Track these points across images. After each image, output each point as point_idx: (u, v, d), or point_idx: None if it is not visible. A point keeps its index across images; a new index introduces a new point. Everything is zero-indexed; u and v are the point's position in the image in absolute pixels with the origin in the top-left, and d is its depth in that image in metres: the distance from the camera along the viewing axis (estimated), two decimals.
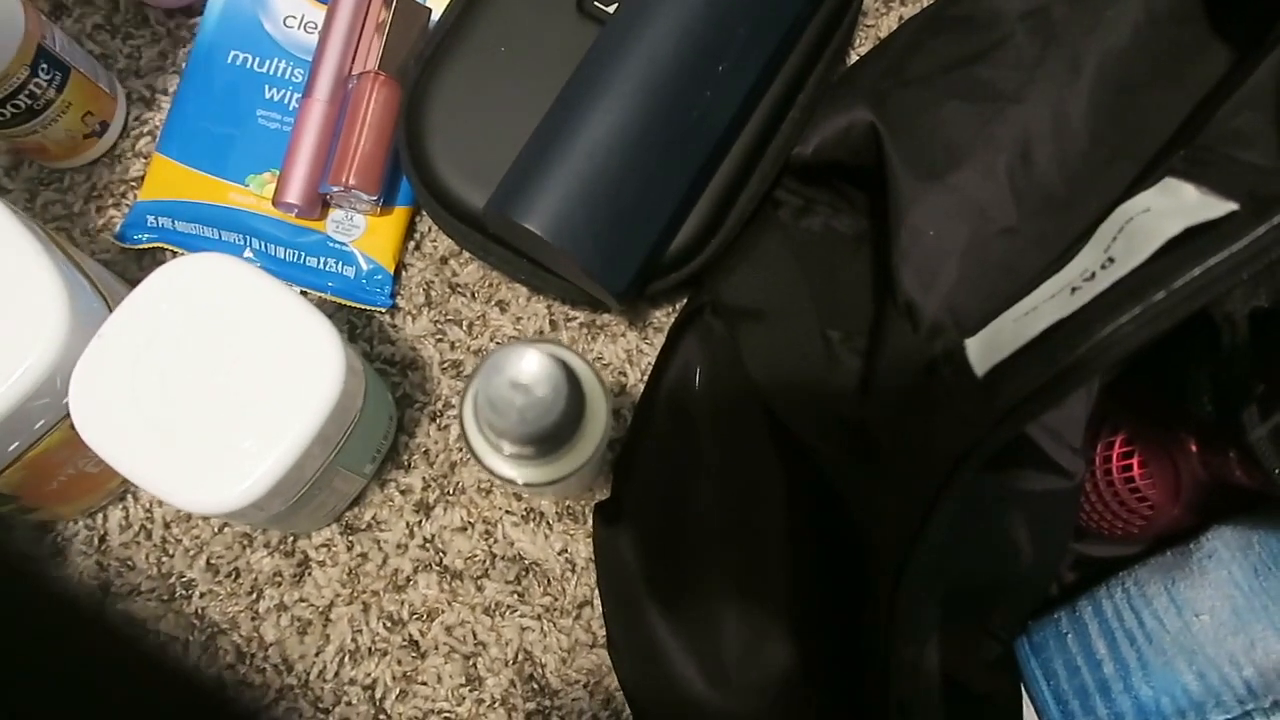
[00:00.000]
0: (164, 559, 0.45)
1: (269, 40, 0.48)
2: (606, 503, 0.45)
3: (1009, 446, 0.32)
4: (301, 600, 0.45)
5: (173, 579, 0.45)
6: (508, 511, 0.46)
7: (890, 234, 0.39)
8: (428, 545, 0.46)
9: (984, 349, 0.33)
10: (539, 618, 0.45)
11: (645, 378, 0.47)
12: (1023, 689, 0.38)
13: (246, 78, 0.48)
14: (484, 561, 0.46)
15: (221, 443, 0.35)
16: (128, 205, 0.49)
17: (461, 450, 0.47)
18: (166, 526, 0.46)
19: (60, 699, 0.26)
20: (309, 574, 0.45)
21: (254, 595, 0.45)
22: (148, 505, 0.46)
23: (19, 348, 0.35)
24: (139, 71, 0.50)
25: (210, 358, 0.36)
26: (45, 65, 0.43)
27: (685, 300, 0.49)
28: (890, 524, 0.36)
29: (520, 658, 0.45)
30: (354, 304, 0.48)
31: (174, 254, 0.48)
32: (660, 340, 0.48)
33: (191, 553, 0.45)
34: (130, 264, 0.48)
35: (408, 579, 0.46)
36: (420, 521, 0.46)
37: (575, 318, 0.49)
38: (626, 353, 0.49)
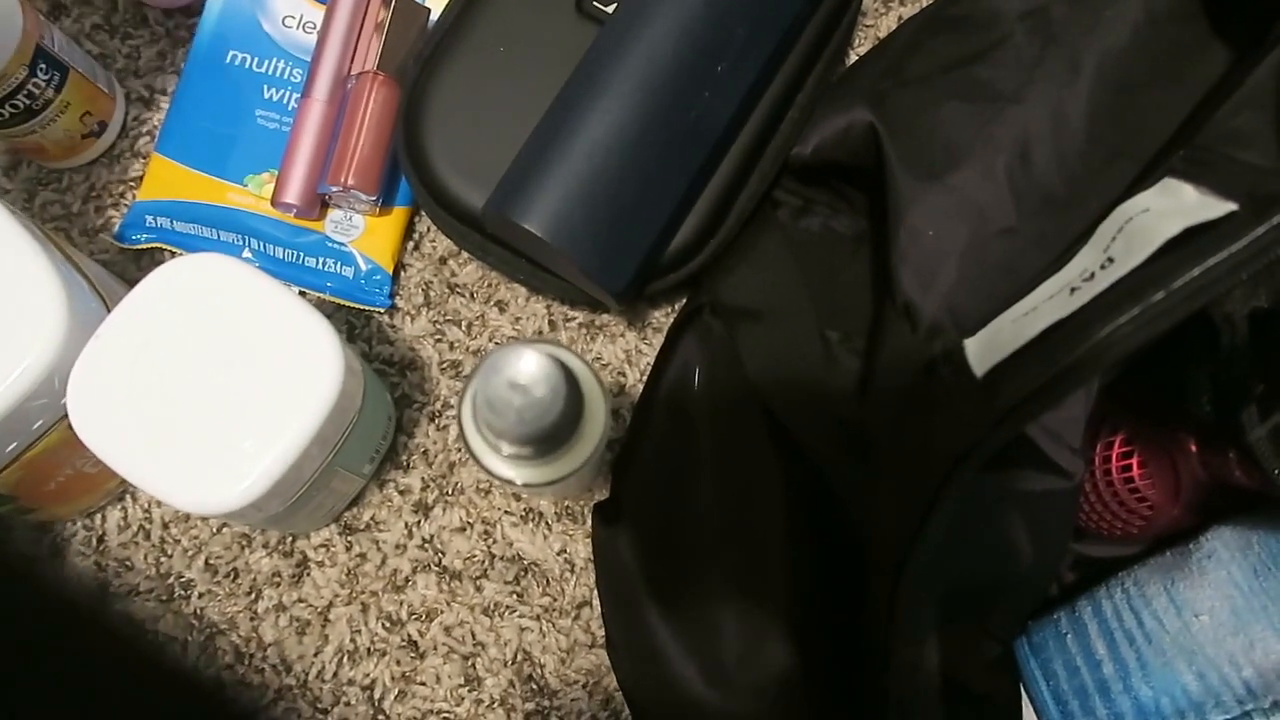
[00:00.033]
0: (162, 559, 0.45)
1: (268, 40, 0.48)
2: (605, 503, 0.45)
3: (1008, 447, 0.32)
4: (300, 600, 0.45)
5: (171, 579, 0.45)
6: (507, 512, 0.46)
7: (889, 234, 0.39)
8: (426, 545, 0.46)
9: (983, 349, 0.33)
10: (538, 618, 0.45)
11: (644, 378, 0.47)
12: (1022, 689, 0.38)
13: (245, 78, 0.48)
14: (483, 562, 0.46)
15: (220, 443, 0.35)
16: (126, 205, 0.49)
17: (460, 450, 0.47)
18: (165, 527, 0.46)
19: (59, 699, 0.26)
20: (308, 574, 0.45)
21: (253, 595, 0.45)
22: (146, 506, 0.46)
23: (17, 348, 0.35)
24: (138, 71, 0.50)
25: (209, 358, 0.36)
26: (44, 65, 0.43)
27: (684, 300, 0.48)
28: (889, 524, 0.36)
29: (519, 658, 0.45)
30: (353, 304, 0.48)
31: (173, 254, 0.48)
32: (659, 340, 0.48)
33: (190, 553, 0.45)
34: (129, 264, 0.48)
35: (406, 579, 0.46)
36: (419, 522, 0.46)
37: (574, 318, 0.49)
38: (625, 353, 0.49)
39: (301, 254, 0.47)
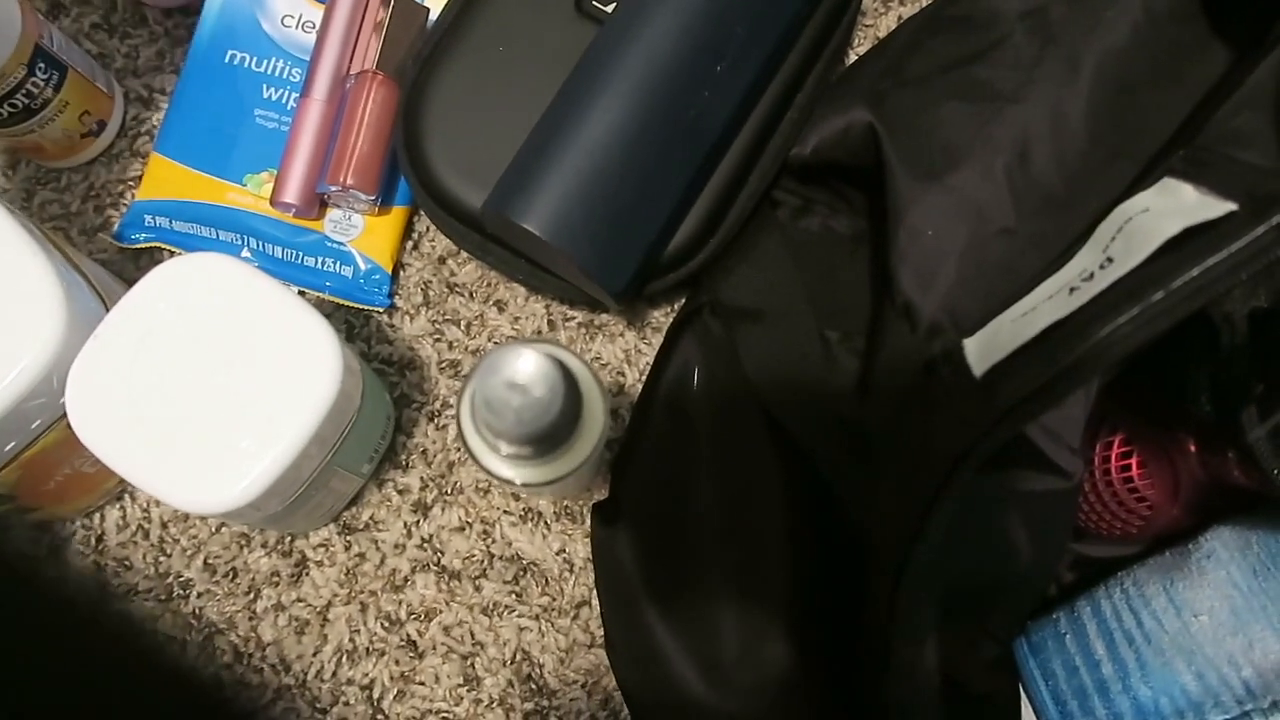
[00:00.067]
0: (161, 559, 0.45)
1: (267, 40, 0.48)
2: (604, 503, 0.45)
3: (1008, 447, 0.32)
4: (299, 600, 0.45)
5: (170, 579, 0.45)
6: (506, 511, 0.46)
7: (888, 234, 0.39)
8: (425, 545, 0.46)
9: (982, 349, 0.33)
10: (537, 618, 0.45)
11: (643, 377, 0.47)
12: (1021, 689, 0.38)
13: (244, 77, 0.48)
14: (482, 561, 0.46)
15: (219, 442, 0.35)
16: (125, 205, 0.49)
17: (459, 450, 0.47)
18: (164, 526, 0.46)
19: (58, 698, 0.26)
20: (306, 574, 0.45)
21: (251, 595, 0.45)
22: (145, 505, 0.46)
23: (15, 347, 0.35)
24: (137, 71, 0.50)
25: (207, 357, 0.35)
26: (42, 64, 0.43)
27: (683, 300, 0.48)
28: (889, 524, 0.36)
29: (518, 658, 0.45)
30: (352, 304, 0.48)
31: (171, 253, 0.48)
32: (658, 340, 0.48)
33: (189, 552, 0.45)
34: (128, 263, 0.48)
35: (405, 579, 0.46)
36: (418, 521, 0.46)
37: (573, 317, 0.49)
38: (625, 352, 0.49)
39: (300, 253, 0.47)
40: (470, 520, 0.46)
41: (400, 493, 0.46)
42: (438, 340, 0.48)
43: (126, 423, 0.35)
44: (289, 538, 0.46)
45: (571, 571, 0.46)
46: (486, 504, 0.46)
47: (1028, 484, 0.36)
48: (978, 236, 0.37)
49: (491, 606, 0.45)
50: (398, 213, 0.48)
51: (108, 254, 0.48)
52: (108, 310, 0.36)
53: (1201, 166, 0.31)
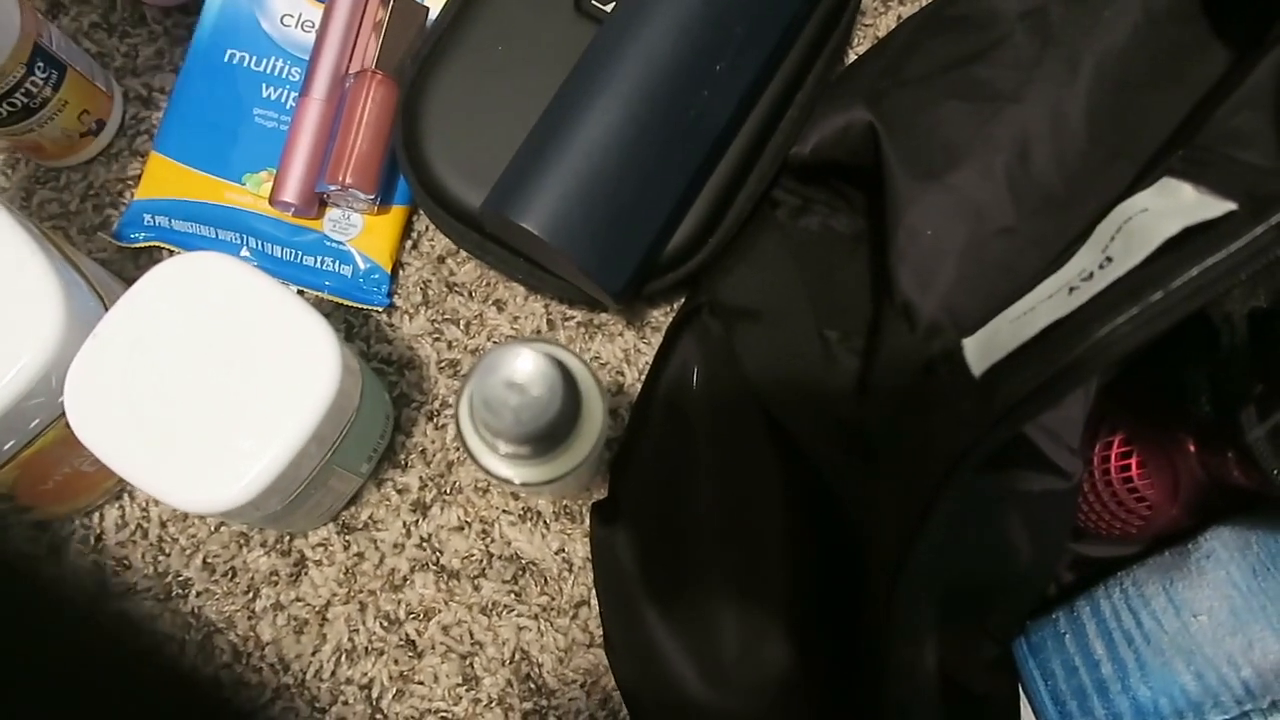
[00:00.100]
0: (160, 558, 0.45)
1: (266, 39, 0.48)
2: (603, 502, 0.45)
3: (1007, 447, 0.32)
4: (298, 599, 0.45)
5: (169, 578, 0.45)
6: (505, 511, 0.46)
7: (888, 234, 0.39)
8: (424, 545, 0.46)
9: (981, 349, 0.33)
10: (536, 617, 0.45)
11: (643, 377, 0.47)
12: (1020, 689, 0.38)
13: (244, 76, 0.48)
14: (481, 561, 0.46)
15: (218, 442, 0.35)
16: (124, 204, 0.49)
17: (458, 449, 0.47)
18: (163, 525, 0.46)
19: (57, 697, 0.26)
20: (305, 573, 0.45)
21: (250, 594, 0.45)
22: (144, 504, 0.46)
23: (14, 346, 0.35)
24: (136, 70, 0.50)
25: (206, 356, 0.35)
26: (41, 63, 0.43)
27: (683, 300, 0.48)
28: (888, 524, 0.35)
29: (517, 657, 0.45)
30: (351, 303, 0.48)
31: (171, 252, 0.48)
32: (657, 340, 0.48)
33: (188, 552, 0.45)
34: (127, 263, 0.48)
35: (404, 578, 0.46)
36: (417, 521, 0.46)
37: (573, 317, 0.49)
38: (624, 352, 0.48)
39: (300, 253, 0.47)
40: (469, 520, 0.46)
41: (399, 492, 0.46)
42: (437, 339, 0.48)
43: (125, 422, 0.35)
44: (288, 537, 0.46)
45: (570, 571, 0.46)
46: (485, 503, 0.46)
47: (1027, 484, 0.36)
48: (977, 236, 0.37)
49: (490, 606, 0.45)
50: (397, 212, 0.48)
51: (107, 253, 0.48)
52: (107, 309, 0.36)
53: (1201, 166, 0.31)
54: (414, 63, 0.44)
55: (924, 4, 0.50)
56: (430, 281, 0.49)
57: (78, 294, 0.37)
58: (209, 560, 0.45)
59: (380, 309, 0.48)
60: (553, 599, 0.46)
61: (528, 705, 0.45)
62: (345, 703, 0.44)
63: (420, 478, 0.47)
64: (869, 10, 0.52)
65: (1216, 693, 0.34)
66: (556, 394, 0.30)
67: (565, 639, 0.45)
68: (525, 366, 0.30)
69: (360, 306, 0.48)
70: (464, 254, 0.49)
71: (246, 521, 0.45)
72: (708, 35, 0.40)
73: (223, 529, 0.46)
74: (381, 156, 0.46)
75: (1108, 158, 0.38)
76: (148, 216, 0.47)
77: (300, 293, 0.46)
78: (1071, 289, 0.31)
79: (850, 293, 0.43)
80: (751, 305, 0.45)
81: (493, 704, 0.45)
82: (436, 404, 0.47)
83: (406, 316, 0.48)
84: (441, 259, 0.49)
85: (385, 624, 0.45)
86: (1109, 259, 0.31)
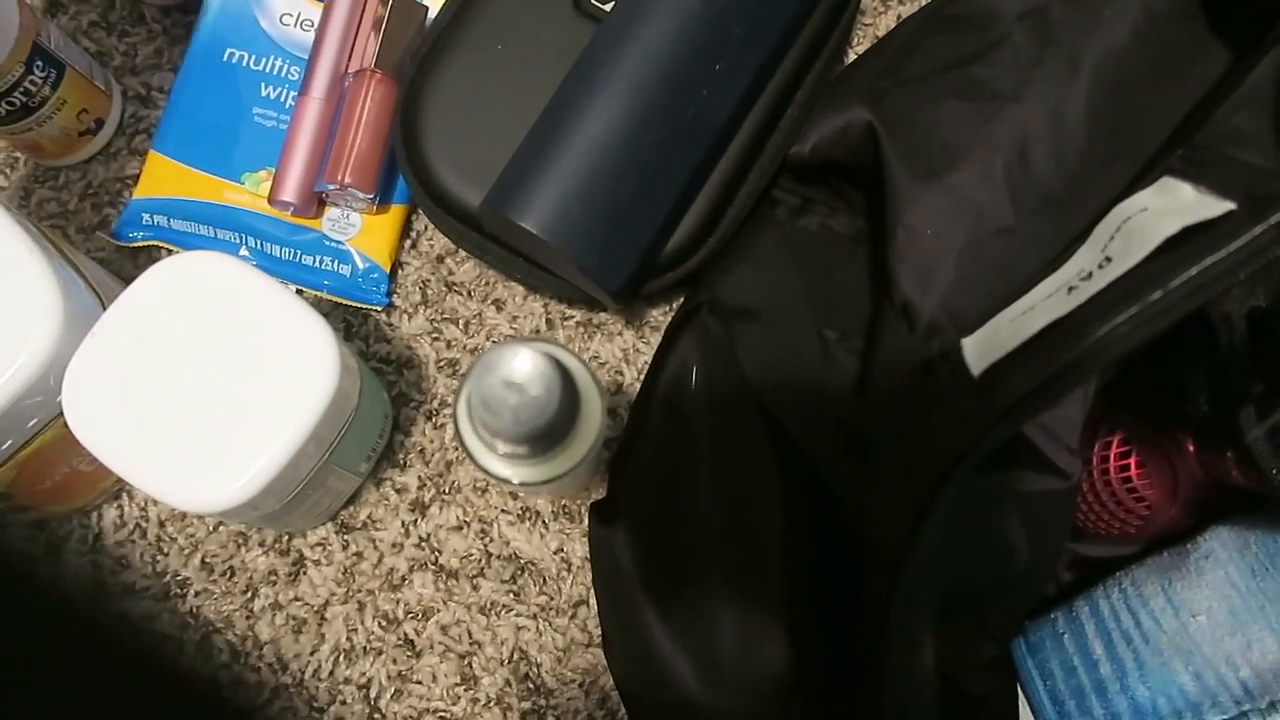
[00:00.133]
0: (159, 558, 0.45)
1: (265, 38, 0.48)
2: (602, 502, 0.45)
3: (1006, 446, 0.32)
4: (296, 599, 0.45)
5: (168, 578, 0.45)
6: (503, 510, 0.46)
7: (887, 233, 0.39)
8: (423, 544, 0.46)
9: (981, 349, 0.33)
10: (534, 617, 0.45)
11: (642, 377, 0.47)
12: (1019, 689, 0.38)
13: (243, 75, 0.48)
14: (479, 560, 0.46)
15: (216, 441, 0.35)
16: (123, 203, 0.49)
17: (457, 449, 0.47)
18: (161, 525, 0.45)
19: (56, 698, 0.26)
20: (304, 573, 0.45)
21: (249, 594, 0.45)
22: (142, 504, 0.46)
23: (12, 345, 0.35)
24: (135, 69, 0.50)
25: (205, 356, 0.35)
26: (40, 62, 0.43)
27: (682, 299, 0.48)
28: (886, 524, 0.35)
29: (515, 657, 0.45)
30: (350, 302, 0.48)
31: (169, 252, 0.48)
32: (657, 339, 0.48)
33: (186, 551, 0.45)
34: (126, 262, 0.48)
35: (403, 578, 0.46)
36: (416, 520, 0.46)
37: (572, 316, 0.49)
38: (623, 351, 0.48)
39: (299, 252, 0.47)
40: (468, 519, 0.46)
41: (398, 491, 0.46)
42: (436, 339, 0.48)
43: (123, 421, 0.35)
44: (286, 536, 0.46)
45: (569, 571, 0.46)
46: (484, 503, 0.46)
47: (1026, 484, 0.36)
48: (976, 236, 0.37)
49: (489, 605, 0.45)
50: (396, 211, 0.48)
51: (106, 252, 0.48)
52: (105, 308, 0.36)
53: (1200, 166, 0.31)
54: (413, 62, 0.44)
55: (923, 3, 0.50)
56: (429, 281, 0.49)
57: (76, 293, 0.37)
58: (207, 560, 0.45)
59: (379, 308, 0.48)
60: (551, 599, 0.46)
61: (526, 705, 0.45)
62: (343, 702, 0.44)
63: (419, 477, 0.47)
64: (869, 10, 0.52)
65: (1215, 693, 0.34)
66: (555, 393, 0.30)
67: (564, 639, 0.45)
68: (524, 366, 0.30)
69: (359, 306, 0.48)
70: (463, 253, 0.49)
71: (245, 521, 0.45)
72: (707, 34, 0.40)
73: (221, 528, 0.46)
74: (380, 156, 0.45)
75: (1107, 157, 0.38)
76: (146, 216, 0.47)
77: (299, 292, 0.46)
78: (1070, 289, 0.31)
79: (849, 292, 0.43)
80: (751, 305, 0.45)
81: (491, 704, 0.45)
82: (435, 403, 0.47)
83: (405, 316, 0.48)
84: (440, 258, 0.49)
85: (384, 623, 0.45)
86: (1108, 258, 0.31)
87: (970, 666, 0.38)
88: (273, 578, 0.45)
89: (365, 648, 0.45)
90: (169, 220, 0.47)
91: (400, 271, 0.49)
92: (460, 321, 0.48)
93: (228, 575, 0.45)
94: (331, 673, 0.45)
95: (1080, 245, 0.33)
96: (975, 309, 0.35)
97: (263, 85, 0.48)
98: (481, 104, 0.43)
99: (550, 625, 0.45)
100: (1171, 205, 0.30)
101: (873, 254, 0.43)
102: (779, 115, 0.44)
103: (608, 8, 0.43)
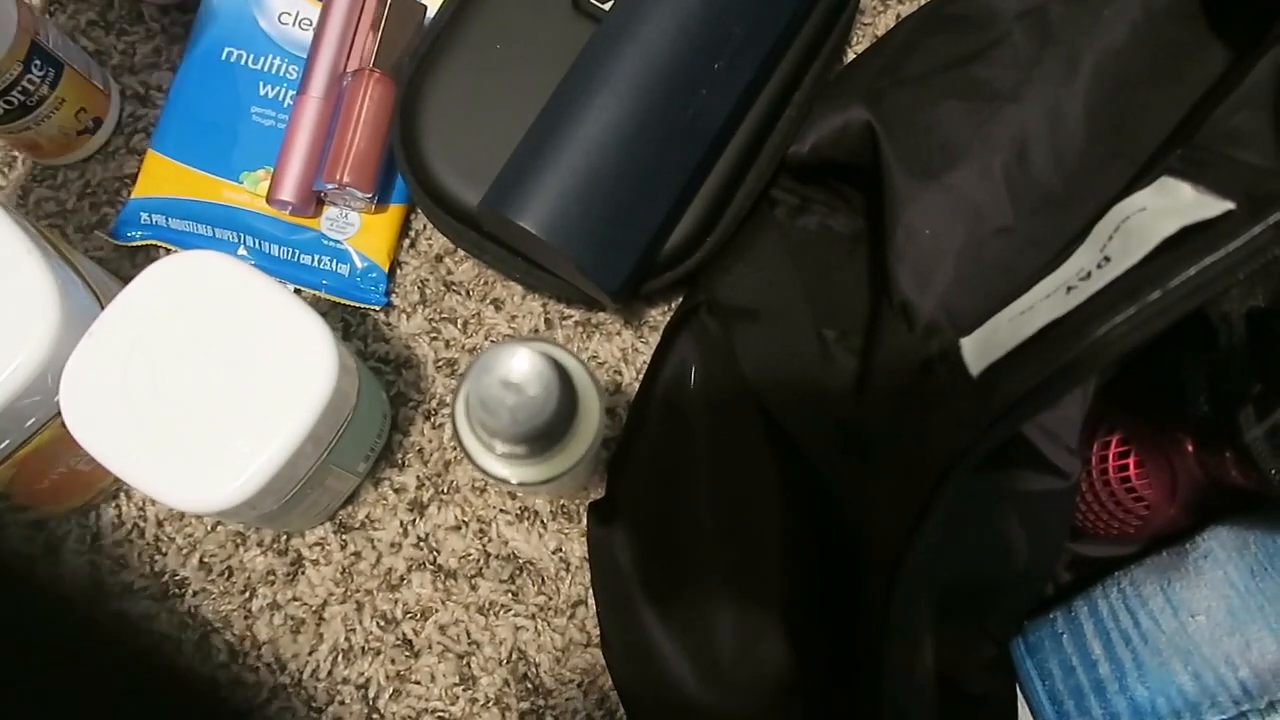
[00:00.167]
0: (157, 557, 0.45)
1: (264, 37, 0.48)
2: (601, 502, 0.45)
3: (1005, 446, 0.32)
4: (295, 599, 0.45)
5: (166, 577, 0.45)
6: (502, 510, 0.46)
7: (886, 233, 0.39)
8: (422, 544, 0.46)
9: (979, 348, 0.33)
10: (533, 617, 0.45)
11: (640, 376, 0.47)
12: (1018, 689, 0.38)
13: (241, 74, 0.48)
14: (478, 560, 0.46)
15: (214, 441, 0.35)
16: (122, 202, 0.49)
17: (456, 449, 0.47)
18: (159, 525, 0.45)
19: (54, 698, 0.26)
20: (302, 573, 0.45)
21: (247, 594, 0.45)
22: (140, 504, 0.46)
23: (10, 345, 0.35)
24: (133, 68, 0.50)
25: (203, 355, 0.35)
26: (39, 61, 0.43)
27: (681, 299, 0.48)
28: (885, 524, 0.35)
29: (514, 657, 0.45)
30: (348, 302, 0.48)
31: (168, 251, 0.48)
32: (655, 339, 0.48)
33: (184, 551, 0.45)
34: (124, 261, 0.48)
35: (401, 578, 0.45)
36: (414, 520, 0.46)
37: (570, 316, 0.49)
38: (622, 351, 0.48)
39: (297, 251, 0.47)
40: (466, 519, 0.46)
41: (396, 491, 0.46)
42: (434, 338, 0.48)
43: (121, 421, 0.35)
44: (284, 536, 0.46)
45: (568, 570, 0.46)
46: (483, 503, 0.46)
47: (1025, 484, 0.36)
48: (975, 235, 0.37)
49: (488, 605, 0.45)
50: (394, 211, 0.48)
51: (104, 251, 0.48)
52: (103, 308, 0.36)
53: (1199, 165, 0.31)
54: (412, 61, 0.44)
55: (923, 3, 0.50)
56: (428, 280, 0.49)
57: (74, 292, 0.37)
58: (205, 559, 0.45)
59: (378, 308, 0.48)
60: (550, 598, 0.46)
61: (525, 705, 0.45)
62: (342, 702, 0.44)
63: (417, 477, 0.47)
64: (868, 9, 0.52)
65: (1214, 693, 0.34)
66: (553, 393, 0.30)
67: (562, 639, 0.45)
68: (522, 366, 0.30)
69: (357, 305, 0.48)
70: (462, 253, 0.49)
71: (243, 521, 0.45)
72: (706, 34, 0.40)
73: (219, 528, 0.46)
74: (379, 155, 0.45)
75: (1106, 157, 0.38)
76: (145, 215, 0.47)
77: (297, 291, 0.46)
78: (1069, 288, 0.31)
79: (848, 292, 0.43)
80: (750, 304, 0.44)
81: (490, 704, 0.44)
82: (434, 403, 0.47)
83: (404, 315, 0.48)
84: (439, 258, 0.49)
85: (382, 623, 0.45)
86: (1107, 258, 0.31)
87: (969, 666, 0.38)
88: (271, 577, 0.45)
89: (364, 648, 0.45)
90: (167, 219, 0.47)
91: (399, 271, 0.49)
92: (459, 321, 0.48)
93: (226, 575, 0.45)
94: (330, 673, 0.45)
95: (1079, 245, 0.33)
96: (974, 309, 0.35)
97: (261, 84, 0.48)
98: (480, 103, 0.43)
99: (549, 625, 0.45)
100: (1170, 205, 0.30)
101: (871, 254, 0.43)
102: (778, 115, 0.44)
103: (607, 7, 0.43)
